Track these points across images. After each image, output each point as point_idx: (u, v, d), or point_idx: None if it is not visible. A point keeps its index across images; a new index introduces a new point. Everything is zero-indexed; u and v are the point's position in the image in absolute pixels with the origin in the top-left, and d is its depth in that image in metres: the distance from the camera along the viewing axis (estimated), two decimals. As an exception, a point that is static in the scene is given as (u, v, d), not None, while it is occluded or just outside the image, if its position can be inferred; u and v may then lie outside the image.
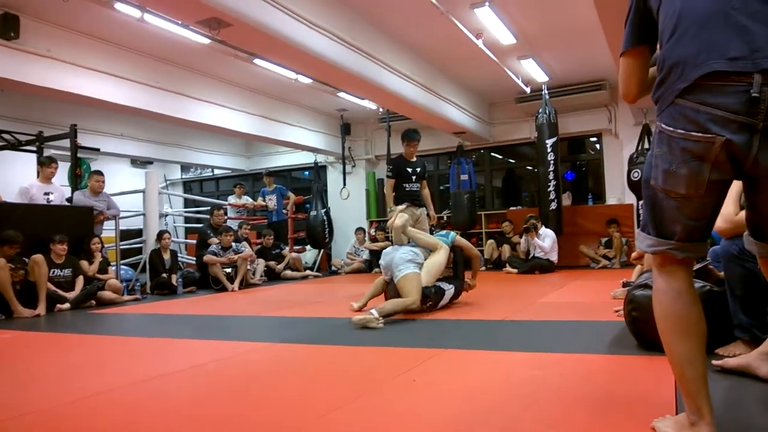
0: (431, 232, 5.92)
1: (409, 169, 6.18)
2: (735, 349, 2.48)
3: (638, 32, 1.63)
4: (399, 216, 4.84)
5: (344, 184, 11.34)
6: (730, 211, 2.28)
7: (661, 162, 1.49)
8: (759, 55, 1.33)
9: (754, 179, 1.43)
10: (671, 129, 1.46)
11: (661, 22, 1.55)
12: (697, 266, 2.93)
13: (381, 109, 9.90)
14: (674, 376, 1.57)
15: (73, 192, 7.15)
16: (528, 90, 9.09)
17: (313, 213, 10.19)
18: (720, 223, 2.33)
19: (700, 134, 1.39)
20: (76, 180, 7.36)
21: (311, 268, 10.23)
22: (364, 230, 10.67)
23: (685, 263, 1.55)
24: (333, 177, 12.07)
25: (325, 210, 10.23)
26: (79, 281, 6.11)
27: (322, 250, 10.71)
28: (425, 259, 4.50)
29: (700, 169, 1.42)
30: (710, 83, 1.38)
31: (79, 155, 7.45)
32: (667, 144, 1.47)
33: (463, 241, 4.92)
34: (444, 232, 4.96)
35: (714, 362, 2.30)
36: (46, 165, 6.63)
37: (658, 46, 1.58)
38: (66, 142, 7.32)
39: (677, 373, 1.54)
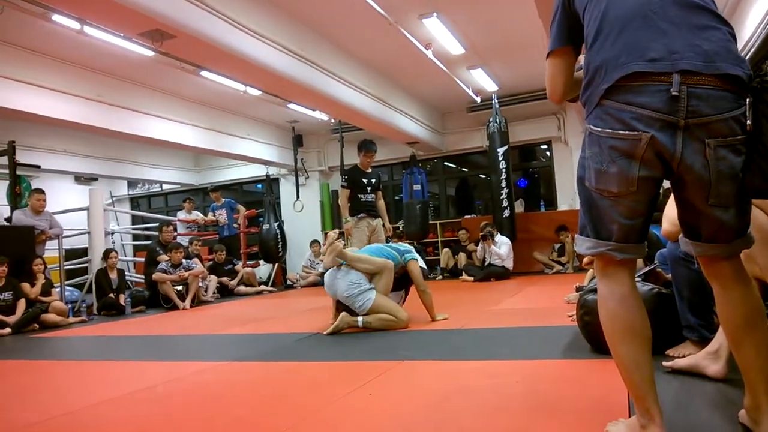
0: (387, 242, 5.90)
1: (365, 180, 6.14)
2: (684, 350, 2.52)
3: (563, 34, 1.67)
4: (335, 244, 4.34)
5: (297, 196, 11.23)
6: (676, 213, 2.31)
7: (592, 162, 1.52)
8: (677, 56, 1.39)
9: (682, 177, 1.46)
10: (599, 129, 1.49)
11: (585, 26, 1.58)
12: (645, 269, 2.98)
13: (333, 120, 9.86)
14: (623, 380, 1.57)
15: (12, 211, 6.87)
16: (478, 99, 9.21)
17: (265, 227, 10.04)
18: (666, 225, 2.37)
19: (626, 132, 1.43)
20: (15, 199, 7.07)
21: (266, 283, 10.06)
22: (319, 242, 10.55)
23: (625, 265, 1.56)
24: (286, 189, 11.93)
25: (277, 223, 10.09)
26: (21, 304, 5.86)
27: (276, 264, 10.55)
28: (369, 281, 4.28)
29: (629, 167, 1.45)
30: (632, 84, 1.42)
31: (18, 173, 7.15)
32: (597, 144, 1.50)
33: (415, 271, 4.51)
34: (408, 247, 4.63)
35: (664, 363, 2.33)
36: (-19, 184, 6.36)
37: (584, 49, 1.60)
38: (4, 160, 7.03)
39: (625, 376, 1.55)
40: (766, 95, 1.38)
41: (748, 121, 1.39)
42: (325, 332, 4.07)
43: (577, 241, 1.63)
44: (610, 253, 1.53)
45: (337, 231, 4.17)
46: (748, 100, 1.40)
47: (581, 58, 1.67)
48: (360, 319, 4.11)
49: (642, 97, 1.41)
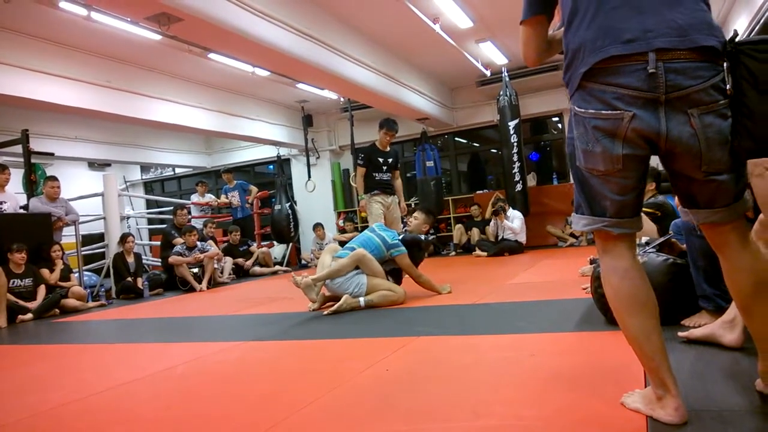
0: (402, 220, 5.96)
1: (381, 159, 6.12)
2: (700, 320, 2.53)
3: (535, 3, 1.69)
4: (303, 282, 4.28)
5: (309, 176, 11.24)
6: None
7: (579, 143, 1.55)
8: (652, 35, 1.40)
9: (672, 151, 1.47)
10: (583, 110, 1.52)
11: (560, 4, 1.60)
12: (660, 240, 2.98)
13: (342, 99, 9.81)
14: (635, 353, 1.58)
15: (29, 199, 6.95)
16: (488, 73, 9.13)
17: (277, 207, 10.07)
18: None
19: (609, 111, 1.45)
20: (31, 186, 7.16)
21: (281, 263, 10.14)
22: (322, 226, 10.42)
23: (623, 239, 1.58)
24: (297, 170, 11.94)
25: (289, 204, 10.12)
26: (41, 290, 5.96)
27: (290, 244, 10.60)
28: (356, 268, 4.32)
29: (613, 146, 1.47)
30: (610, 66, 1.44)
31: (32, 161, 7.22)
32: (582, 125, 1.53)
33: (405, 263, 4.55)
34: (395, 241, 4.58)
35: (680, 333, 2.34)
36: (-3, 173, 6.41)
37: (563, 31, 1.60)
38: (18, 148, 7.10)
39: (636, 349, 1.56)
40: (743, 57, 1.40)
41: (728, 86, 1.41)
42: (325, 312, 4.13)
43: (574, 219, 1.67)
44: (607, 229, 1.56)
45: (300, 277, 4.14)
46: (725, 65, 1.42)
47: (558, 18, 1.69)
48: (362, 299, 4.18)
49: (621, 78, 1.43)
